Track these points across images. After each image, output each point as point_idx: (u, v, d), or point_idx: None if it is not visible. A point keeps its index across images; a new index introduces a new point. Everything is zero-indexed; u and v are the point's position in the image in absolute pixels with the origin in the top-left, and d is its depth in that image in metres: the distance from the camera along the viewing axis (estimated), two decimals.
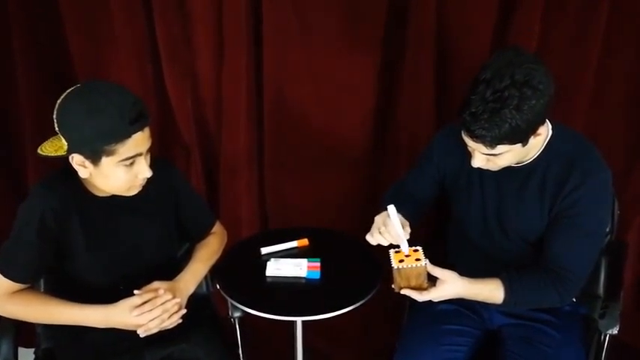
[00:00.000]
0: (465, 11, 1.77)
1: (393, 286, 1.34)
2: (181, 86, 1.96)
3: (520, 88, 1.18)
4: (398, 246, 1.34)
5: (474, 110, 1.20)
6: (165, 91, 1.98)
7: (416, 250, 1.33)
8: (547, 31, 1.76)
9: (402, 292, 1.34)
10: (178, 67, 1.94)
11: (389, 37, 1.86)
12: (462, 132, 1.28)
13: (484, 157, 1.31)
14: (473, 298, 1.39)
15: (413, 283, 1.32)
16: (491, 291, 1.37)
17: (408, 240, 1.34)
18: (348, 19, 1.83)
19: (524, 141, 1.26)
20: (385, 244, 1.35)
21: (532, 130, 1.25)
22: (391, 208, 1.31)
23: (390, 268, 1.32)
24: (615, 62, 1.80)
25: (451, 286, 1.33)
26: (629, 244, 1.89)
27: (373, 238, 1.36)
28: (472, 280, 1.36)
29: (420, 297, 1.33)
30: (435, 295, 1.33)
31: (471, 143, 1.29)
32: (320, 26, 1.84)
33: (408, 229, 1.38)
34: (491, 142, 1.23)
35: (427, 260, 1.30)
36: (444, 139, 1.54)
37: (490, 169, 1.36)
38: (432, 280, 1.34)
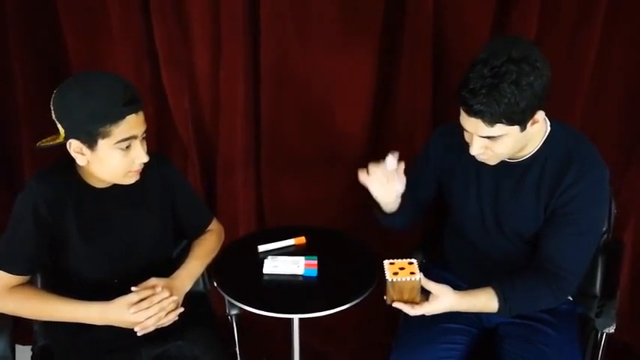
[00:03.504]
0: (462, 10, 1.78)
1: (385, 297, 1.33)
2: (179, 85, 1.97)
3: (518, 64, 1.19)
4: (392, 257, 1.33)
5: (472, 87, 1.21)
6: (163, 89, 1.98)
7: (411, 263, 1.31)
8: (544, 31, 1.76)
9: (394, 305, 1.32)
10: (176, 66, 1.94)
11: (386, 37, 1.86)
12: (461, 111, 1.27)
13: (482, 144, 1.29)
14: (467, 311, 1.38)
15: (406, 297, 1.31)
16: (485, 302, 1.35)
17: (403, 257, 1.34)
18: (345, 20, 1.83)
19: (522, 124, 1.25)
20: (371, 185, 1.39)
21: (530, 112, 1.24)
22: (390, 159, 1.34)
23: (384, 279, 1.31)
24: (612, 62, 1.80)
25: (444, 300, 1.31)
26: (625, 243, 1.89)
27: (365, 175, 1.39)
28: (465, 294, 1.35)
29: (411, 311, 1.31)
30: (428, 309, 1.31)
31: (469, 125, 1.27)
32: (317, 25, 1.84)
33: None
34: (491, 120, 1.22)
35: (422, 274, 1.29)
36: (441, 138, 1.54)
37: (488, 160, 1.35)
38: (425, 294, 1.32)
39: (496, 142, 1.28)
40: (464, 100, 1.23)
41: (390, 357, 1.49)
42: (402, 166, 1.38)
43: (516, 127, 1.25)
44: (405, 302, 1.32)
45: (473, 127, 1.27)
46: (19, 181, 2.17)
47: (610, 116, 1.87)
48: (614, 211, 1.62)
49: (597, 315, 1.52)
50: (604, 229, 1.60)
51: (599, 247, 1.59)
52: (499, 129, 1.24)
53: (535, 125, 1.29)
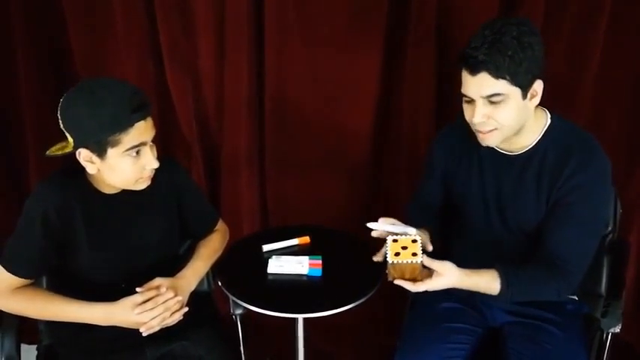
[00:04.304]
0: (466, 11, 1.77)
1: (386, 271, 1.33)
2: (183, 84, 1.97)
3: (517, 26, 1.24)
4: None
5: (474, 45, 1.24)
6: (167, 89, 1.98)
7: (414, 241, 1.31)
8: (549, 32, 1.75)
9: (396, 282, 1.32)
10: (180, 65, 1.95)
11: (390, 38, 1.86)
12: (463, 77, 1.28)
13: (485, 111, 1.28)
14: (469, 289, 1.37)
15: (407, 276, 1.31)
16: (487, 282, 1.35)
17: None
18: (349, 19, 1.83)
19: (524, 88, 1.26)
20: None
21: (531, 77, 1.26)
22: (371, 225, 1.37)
23: (386, 256, 1.31)
24: (617, 62, 1.80)
25: (447, 278, 1.31)
26: (631, 243, 1.88)
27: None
28: (469, 272, 1.34)
29: (413, 288, 1.31)
30: (430, 286, 1.31)
31: (472, 86, 1.27)
32: (322, 24, 1.84)
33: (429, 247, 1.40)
34: (496, 72, 1.23)
35: (424, 256, 1.29)
36: (442, 140, 1.55)
37: (489, 138, 1.33)
38: (428, 269, 1.32)
39: (498, 107, 1.27)
40: (467, 56, 1.25)
41: (395, 357, 1.49)
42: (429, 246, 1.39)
43: (518, 91, 1.26)
44: (407, 280, 1.31)
45: (477, 86, 1.26)
46: (24, 181, 2.17)
47: (615, 117, 1.87)
48: (619, 210, 1.62)
49: (603, 315, 1.52)
50: (609, 228, 1.59)
51: (605, 247, 1.59)
52: (503, 86, 1.24)
53: (534, 100, 1.30)
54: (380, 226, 1.37)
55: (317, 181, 2.08)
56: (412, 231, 1.34)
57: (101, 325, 1.35)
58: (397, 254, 1.29)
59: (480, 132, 1.34)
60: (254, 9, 1.84)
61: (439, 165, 1.55)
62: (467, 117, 1.34)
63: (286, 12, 1.82)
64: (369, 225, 1.38)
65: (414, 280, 1.31)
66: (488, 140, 1.34)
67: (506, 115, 1.28)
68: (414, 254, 1.28)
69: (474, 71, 1.25)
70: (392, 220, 1.39)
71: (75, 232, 1.35)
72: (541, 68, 1.27)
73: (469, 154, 1.47)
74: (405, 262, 1.28)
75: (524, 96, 1.28)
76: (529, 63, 1.23)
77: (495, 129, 1.31)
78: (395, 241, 1.32)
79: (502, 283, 1.34)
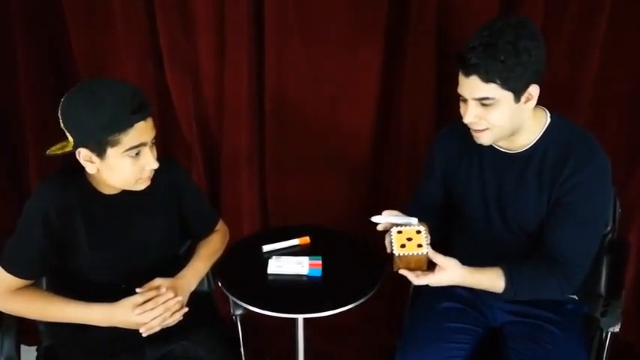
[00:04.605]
0: (466, 10, 1.77)
1: (392, 261, 1.33)
2: (183, 84, 1.97)
3: (515, 28, 1.23)
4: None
5: (470, 46, 1.24)
6: (167, 89, 1.98)
7: (418, 232, 1.32)
8: (549, 31, 1.75)
9: (400, 272, 1.33)
10: (180, 65, 1.95)
11: (390, 38, 1.86)
12: (459, 78, 1.29)
13: (476, 111, 1.29)
14: (472, 287, 1.38)
15: (412, 266, 1.32)
16: (491, 280, 1.35)
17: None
18: (350, 18, 1.83)
19: (516, 92, 1.26)
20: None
21: (525, 82, 1.26)
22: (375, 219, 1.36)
23: (392, 248, 1.31)
24: (617, 62, 1.80)
25: (450, 273, 1.31)
26: (631, 243, 1.88)
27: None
28: (472, 270, 1.34)
29: (416, 280, 1.31)
30: (433, 280, 1.31)
31: (465, 87, 1.28)
32: (322, 23, 1.84)
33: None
34: (486, 76, 1.23)
35: (429, 247, 1.30)
36: (442, 139, 1.56)
37: (481, 137, 1.34)
38: (433, 264, 1.32)
39: (490, 109, 1.28)
40: (462, 57, 1.26)
41: (395, 356, 1.49)
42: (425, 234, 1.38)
43: (510, 95, 1.26)
44: (412, 270, 1.32)
45: (469, 88, 1.28)
46: (24, 181, 2.17)
47: (615, 117, 1.86)
48: (618, 210, 1.62)
49: (602, 314, 1.52)
50: (609, 228, 1.60)
51: (605, 247, 1.59)
52: (494, 90, 1.25)
53: (529, 103, 1.30)
54: (384, 219, 1.37)
55: (317, 181, 2.08)
56: (415, 221, 1.35)
57: (101, 326, 1.34)
58: (403, 246, 1.30)
59: (473, 130, 1.35)
60: (254, 9, 1.84)
61: (439, 165, 1.55)
62: (462, 113, 1.35)
63: (286, 12, 1.82)
64: (373, 219, 1.37)
65: (419, 270, 1.32)
66: (482, 139, 1.36)
67: (497, 117, 1.29)
68: (419, 245, 1.29)
69: (466, 73, 1.27)
70: (395, 212, 1.39)
71: (75, 232, 1.35)
72: (539, 72, 1.27)
73: (469, 154, 1.48)
74: (411, 253, 1.29)
75: (517, 100, 1.28)
76: (523, 68, 1.23)
77: (487, 129, 1.32)
78: (399, 232, 1.32)
79: (506, 282, 1.34)
